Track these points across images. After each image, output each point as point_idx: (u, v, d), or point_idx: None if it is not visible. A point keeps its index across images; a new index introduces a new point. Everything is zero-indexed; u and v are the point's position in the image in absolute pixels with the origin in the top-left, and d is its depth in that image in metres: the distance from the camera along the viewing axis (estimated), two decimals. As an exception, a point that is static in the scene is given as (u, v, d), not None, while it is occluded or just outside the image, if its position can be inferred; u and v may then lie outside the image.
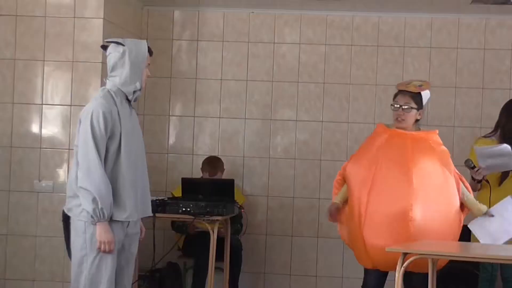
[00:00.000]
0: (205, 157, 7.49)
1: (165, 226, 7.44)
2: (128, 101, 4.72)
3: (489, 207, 5.78)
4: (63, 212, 4.76)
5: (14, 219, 6.63)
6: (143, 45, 4.73)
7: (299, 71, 7.78)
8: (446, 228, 5.14)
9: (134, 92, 4.68)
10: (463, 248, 4.99)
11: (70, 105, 6.62)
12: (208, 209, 6.26)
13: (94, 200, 4.49)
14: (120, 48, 4.64)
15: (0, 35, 6.68)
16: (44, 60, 6.65)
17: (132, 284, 6.68)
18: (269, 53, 7.79)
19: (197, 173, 7.57)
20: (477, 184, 5.93)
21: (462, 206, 5.39)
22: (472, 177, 5.87)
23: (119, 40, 4.69)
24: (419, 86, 5.36)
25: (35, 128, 6.66)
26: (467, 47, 7.68)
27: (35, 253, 6.60)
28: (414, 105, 5.31)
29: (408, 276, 5.09)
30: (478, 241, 5.77)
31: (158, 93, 7.82)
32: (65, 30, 6.63)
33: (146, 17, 7.82)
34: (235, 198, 6.76)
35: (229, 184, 6.81)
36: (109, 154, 4.59)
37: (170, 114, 7.84)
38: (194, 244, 7.15)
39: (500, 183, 5.97)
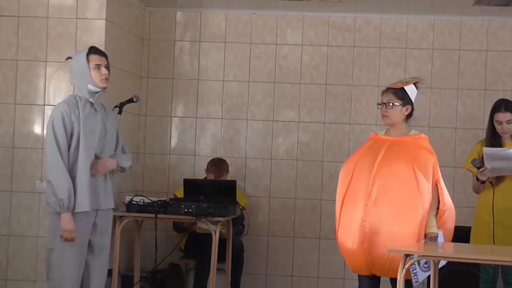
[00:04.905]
0: (207, 158, 7.49)
1: (167, 227, 7.44)
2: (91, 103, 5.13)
3: (492, 209, 5.78)
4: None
5: (16, 220, 6.62)
6: (81, 53, 5.16)
7: (301, 72, 7.78)
8: (401, 229, 5.01)
9: (95, 93, 5.10)
10: (464, 249, 4.99)
11: (72, 106, 6.61)
12: (210, 210, 6.26)
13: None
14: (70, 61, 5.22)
15: (2, 36, 6.68)
16: (46, 61, 6.65)
17: (134, 285, 6.71)
18: (271, 54, 7.79)
19: (199, 174, 7.57)
20: (480, 185, 5.93)
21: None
22: (477, 178, 5.87)
23: (72, 55, 5.26)
24: (405, 82, 5.27)
25: (37, 129, 6.66)
26: (469, 48, 7.68)
27: (37, 253, 6.59)
28: (396, 101, 5.20)
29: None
30: (477, 242, 5.79)
31: (160, 94, 7.82)
32: (67, 31, 6.63)
33: (148, 18, 7.83)
34: (237, 199, 6.75)
35: (231, 185, 6.81)
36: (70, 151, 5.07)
37: (172, 115, 7.84)
38: (196, 245, 7.15)
39: (499, 182, 5.96)
